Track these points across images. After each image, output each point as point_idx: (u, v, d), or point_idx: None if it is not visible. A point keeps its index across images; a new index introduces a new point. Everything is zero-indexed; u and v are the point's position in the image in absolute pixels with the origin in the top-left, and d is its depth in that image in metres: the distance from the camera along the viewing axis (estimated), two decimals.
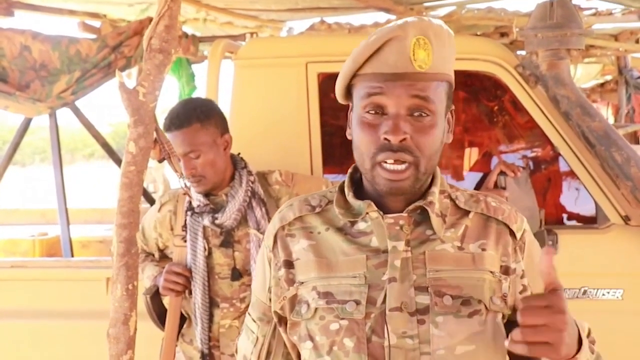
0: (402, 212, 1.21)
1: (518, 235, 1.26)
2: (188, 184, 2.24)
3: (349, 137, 1.28)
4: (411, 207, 1.20)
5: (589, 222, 2.66)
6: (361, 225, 1.23)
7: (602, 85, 10.38)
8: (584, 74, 9.19)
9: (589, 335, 1.28)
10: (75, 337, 2.75)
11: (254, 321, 1.35)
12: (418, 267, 1.18)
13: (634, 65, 7.90)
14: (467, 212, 1.25)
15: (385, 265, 1.18)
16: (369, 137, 1.16)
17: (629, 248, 2.51)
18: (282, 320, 1.29)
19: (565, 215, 2.80)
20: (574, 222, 2.78)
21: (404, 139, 1.13)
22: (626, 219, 2.53)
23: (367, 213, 1.21)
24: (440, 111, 1.17)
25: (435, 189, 1.23)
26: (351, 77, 1.20)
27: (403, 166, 1.15)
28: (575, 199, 2.72)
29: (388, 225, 1.19)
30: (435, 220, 1.20)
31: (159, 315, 2.36)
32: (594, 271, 2.53)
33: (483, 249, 1.22)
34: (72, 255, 3.37)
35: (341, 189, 1.28)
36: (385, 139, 1.14)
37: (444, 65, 1.18)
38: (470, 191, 1.31)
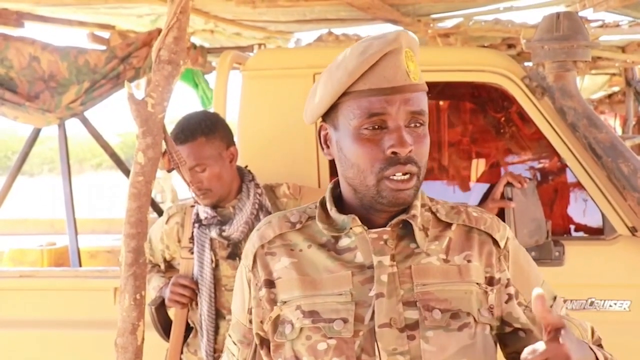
0: (385, 226, 1.19)
1: (502, 244, 1.24)
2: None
3: (328, 158, 1.25)
4: (394, 221, 1.18)
5: (595, 233, 2.66)
6: (345, 241, 1.21)
7: (609, 96, 10.39)
8: (591, 84, 9.21)
9: (593, 335, 1.28)
10: (82, 347, 2.76)
11: (235, 343, 1.30)
12: (405, 282, 1.16)
13: None
14: (449, 225, 1.24)
15: (371, 281, 1.16)
16: (371, 153, 1.14)
17: (636, 259, 2.50)
18: (264, 342, 1.24)
19: (572, 227, 2.79)
20: (580, 234, 2.77)
21: (410, 150, 1.13)
22: (633, 230, 2.53)
23: (350, 228, 1.19)
24: (427, 121, 1.18)
25: (418, 202, 1.22)
26: (342, 93, 1.16)
27: (408, 176, 1.14)
28: (582, 210, 2.72)
29: (372, 240, 1.17)
30: (418, 234, 1.19)
31: (164, 326, 2.37)
32: (600, 282, 2.53)
33: (468, 261, 1.20)
34: (80, 265, 3.38)
35: (322, 205, 1.25)
36: (393, 152, 1.13)
37: (422, 76, 1.19)
38: (450, 203, 1.29)
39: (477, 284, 1.20)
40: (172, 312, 2.37)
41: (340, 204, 1.24)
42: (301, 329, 1.17)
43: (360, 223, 1.18)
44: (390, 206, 1.17)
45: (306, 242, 1.22)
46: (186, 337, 2.36)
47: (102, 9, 3.96)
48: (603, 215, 2.56)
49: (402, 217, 1.18)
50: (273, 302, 1.21)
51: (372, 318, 1.14)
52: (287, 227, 1.24)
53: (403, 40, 1.14)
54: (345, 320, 1.14)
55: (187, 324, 2.35)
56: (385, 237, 1.18)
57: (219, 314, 2.25)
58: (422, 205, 1.24)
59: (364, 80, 1.13)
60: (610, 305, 2.48)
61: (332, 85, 1.16)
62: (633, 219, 2.52)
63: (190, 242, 2.29)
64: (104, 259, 4.09)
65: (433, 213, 1.25)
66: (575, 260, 2.50)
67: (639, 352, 2.46)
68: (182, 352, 2.35)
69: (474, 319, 1.17)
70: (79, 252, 3.41)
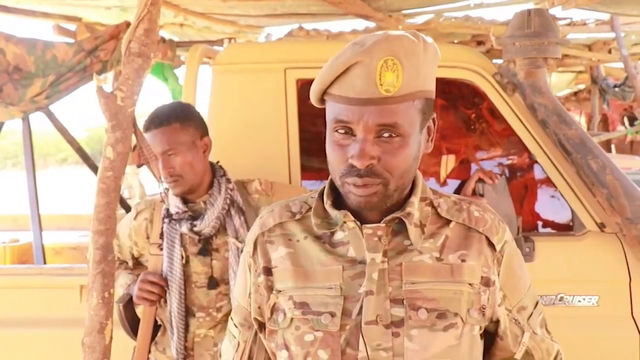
0: (379, 221, 1.18)
1: (498, 247, 1.24)
2: (166, 186, 2.21)
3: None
4: (389, 217, 1.18)
5: (565, 229, 2.68)
6: (339, 235, 1.22)
7: (575, 94, 10.56)
8: (557, 82, 9.35)
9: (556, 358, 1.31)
10: (48, 346, 2.70)
11: (236, 326, 1.34)
12: (394, 279, 1.16)
13: (608, 74, 8.05)
14: (448, 222, 1.23)
15: (361, 276, 1.17)
16: (338, 157, 1.15)
17: (604, 255, 2.53)
18: (262, 326, 1.28)
19: (541, 223, 2.81)
20: (550, 230, 2.79)
21: (370, 164, 1.11)
22: (601, 226, 2.55)
23: (344, 222, 1.19)
24: (410, 131, 1.13)
25: (415, 199, 1.20)
26: (321, 95, 1.18)
27: (370, 188, 1.13)
28: (552, 206, 2.74)
29: (367, 235, 1.17)
30: (412, 232, 1.18)
31: (132, 324, 2.32)
32: (570, 278, 2.55)
33: (463, 260, 1.20)
34: (45, 262, 3.32)
35: (321, 196, 1.26)
36: (352, 164, 1.12)
37: (417, 82, 1.12)
38: (454, 197, 1.28)
39: (470, 284, 1.19)
40: (140, 310, 2.32)
41: (340, 196, 1.23)
42: (292, 319, 1.20)
43: (352, 218, 1.18)
44: (358, 209, 1.17)
45: (303, 233, 1.25)
46: (154, 335, 2.33)
47: (68, 0, 3.88)
48: (572, 211, 2.59)
49: (397, 214, 1.18)
50: (270, 289, 1.24)
51: (360, 313, 1.15)
52: (287, 216, 1.27)
53: (377, 50, 1.09)
54: (332, 314, 1.16)
55: (156, 322, 2.31)
56: (379, 233, 1.18)
57: (188, 312, 2.22)
58: (423, 199, 1.24)
59: (338, 84, 1.13)
60: (579, 301, 2.51)
61: (313, 87, 1.18)
62: (601, 215, 2.55)
63: (159, 238, 2.25)
64: (69, 255, 4.02)
65: (434, 207, 1.24)
66: (545, 256, 2.52)
67: (606, 346, 2.50)
68: (150, 351, 2.31)
69: (462, 319, 1.17)
70: (44, 249, 3.34)
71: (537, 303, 1.32)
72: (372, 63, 1.08)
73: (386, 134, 1.12)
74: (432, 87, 1.17)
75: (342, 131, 1.13)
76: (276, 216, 1.28)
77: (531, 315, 1.30)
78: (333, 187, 1.25)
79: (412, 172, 1.18)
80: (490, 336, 1.27)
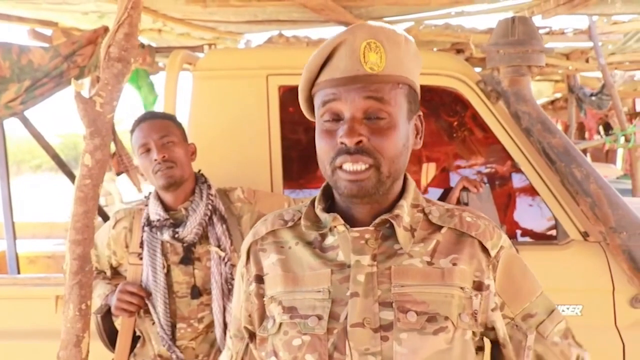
0: (369, 225, 1.18)
1: (492, 253, 1.21)
2: (147, 193, 2.17)
3: None
4: (378, 220, 1.17)
5: (549, 238, 2.67)
6: (330, 240, 1.22)
7: (552, 102, 10.67)
8: (535, 92, 9.43)
9: None
10: (21, 359, 2.62)
11: (231, 337, 1.37)
12: (383, 282, 1.15)
13: (584, 83, 8.14)
14: (439, 227, 1.22)
15: (349, 280, 1.16)
16: (328, 144, 1.15)
17: (588, 264, 2.52)
18: (253, 336, 1.29)
19: (525, 231, 2.80)
20: (533, 239, 2.78)
21: (360, 142, 1.12)
22: (585, 235, 2.55)
23: (335, 227, 1.19)
24: (398, 114, 1.15)
25: (405, 202, 1.20)
26: (310, 87, 1.19)
27: (363, 167, 1.13)
28: (535, 215, 2.73)
29: (353, 239, 1.17)
30: (401, 234, 1.17)
31: (110, 336, 2.26)
32: (553, 287, 2.51)
33: (454, 264, 1.18)
34: (19, 272, 3.24)
35: (313, 202, 1.26)
36: (342, 142, 1.12)
37: (400, 68, 1.15)
38: (447, 206, 1.27)
39: (461, 288, 1.17)
40: (118, 321, 2.27)
41: (332, 202, 1.26)
42: (280, 324, 1.19)
43: (342, 222, 1.18)
44: (350, 197, 1.17)
45: (295, 239, 1.25)
46: (133, 346, 2.27)
47: (44, 4, 3.80)
48: (556, 220, 2.58)
49: (385, 216, 1.18)
50: (261, 297, 1.25)
51: (347, 317, 1.14)
52: (279, 224, 1.28)
53: (360, 32, 1.12)
54: (319, 317, 1.15)
55: (134, 333, 2.25)
56: (366, 236, 1.18)
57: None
58: (415, 206, 1.23)
59: (324, 72, 1.15)
60: (563, 310, 2.49)
61: (301, 82, 1.19)
62: (585, 223, 2.54)
63: (139, 248, 2.20)
64: (44, 264, 3.94)
65: (425, 214, 1.23)
66: (529, 265, 2.50)
67: (590, 356, 2.49)
68: None
69: (453, 323, 1.15)
70: (17, 258, 3.26)
71: (552, 311, 1.27)
72: (355, 42, 1.12)
73: (373, 116, 1.13)
74: (416, 80, 1.19)
75: (330, 118, 1.15)
76: (269, 224, 1.29)
77: (542, 322, 1.24)
78: (326, 194, 1.26)
79: (403, 160, 1.18)
80: (495, 347, 1.25)
